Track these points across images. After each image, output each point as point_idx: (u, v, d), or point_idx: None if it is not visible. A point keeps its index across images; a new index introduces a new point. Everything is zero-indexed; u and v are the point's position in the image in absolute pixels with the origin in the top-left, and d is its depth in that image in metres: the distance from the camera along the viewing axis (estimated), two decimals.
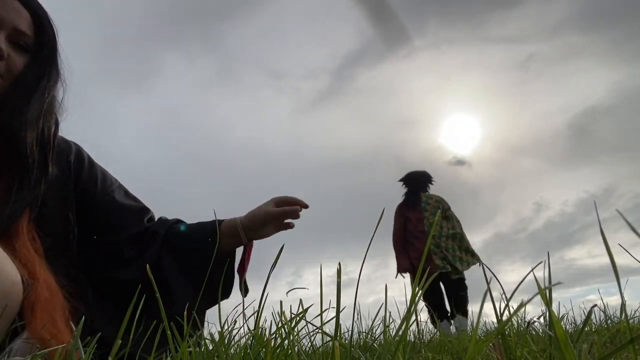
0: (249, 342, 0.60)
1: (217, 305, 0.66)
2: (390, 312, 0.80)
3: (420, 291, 0.46)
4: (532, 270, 0.46)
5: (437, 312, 3.60)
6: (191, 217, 1.19)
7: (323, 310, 0.53)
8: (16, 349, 0.61)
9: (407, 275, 4.02)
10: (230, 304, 0.75)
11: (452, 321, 3.52)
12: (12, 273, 0.63)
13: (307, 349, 0.75)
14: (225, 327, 0.64)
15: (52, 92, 0.87)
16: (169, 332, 0.52)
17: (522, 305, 0.40)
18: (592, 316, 1.10)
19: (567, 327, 1.23)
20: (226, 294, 1.11)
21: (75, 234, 0.95)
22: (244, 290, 1.08)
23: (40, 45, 0.85)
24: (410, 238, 3.96)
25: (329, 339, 0.57)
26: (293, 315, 0.59)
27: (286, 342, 0.54)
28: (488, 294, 0.43)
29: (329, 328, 0.64)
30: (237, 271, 1.13)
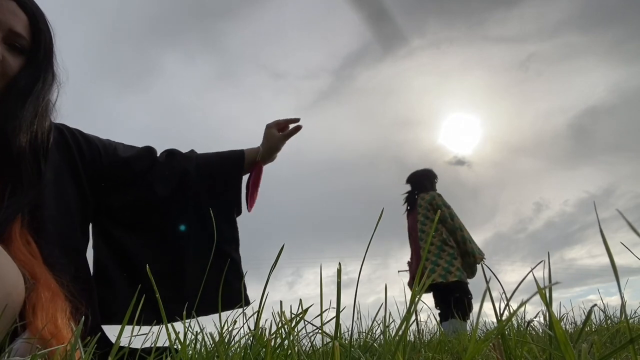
0: (249, 342, 0.60)
1: (217, 305, 0.66)
2: (390, 312, 0.80)
3: (420, 291, 0.46)
4: (532, 270, 0.46)
5: (441, 312, 3.60)
6: None
7: (323, 310, 0.53)
8: (16, 349, 0.61)
9: (407, 275, 4.04)
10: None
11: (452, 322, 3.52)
12: (13, 273, 0.63)
13: (307, 349, 0.75)
14: (225, 327, 0.64)
15: (47, 95, 0.86)
16: (169, 332, 0.52)
17: (522, 305, 0.40)
18: (592, 316, 1.10)
19: (567, 327, 1.23)
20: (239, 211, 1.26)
21: (79, 233, 0.96)
22: (245, 300, 1.16)
23: (36, 47, 0.85)
24: (409, 240, 3.99)
25: (329, 339, 0.57)
26: (293, 315, 0.59)
27: (286, 342, 0.54)
28: (488, 294, 0.43)
29: (329, 328, 0.64)
30: (247, 186, 1.30)
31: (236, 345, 0.64)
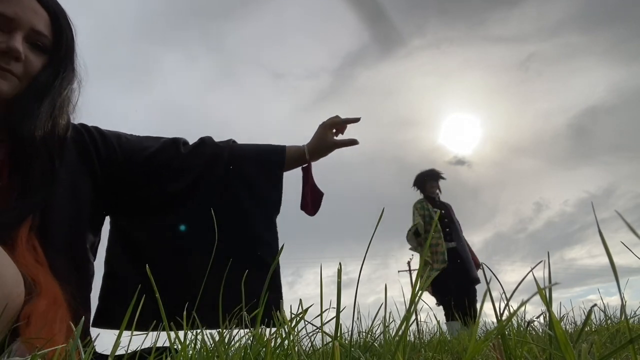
0: (249, 342, 0.60)
1: (218, 305, 0.66)
2: (390, 312, 0.80)
3: (421, 291, 0.46)
4: (531, 270, 0.46)
5: (446, 311, 3.61)
6: None
7: (323, 310, 0.53)
8: (15, 349, 0.61)
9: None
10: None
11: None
12: (12, 273, 0.63)
13: (307, 349, 0.75)
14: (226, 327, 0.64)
15: (66, 94, 0.85)
16: (168, 332, 0.52)
17: (522, 305, 0.40)
18: (592, 316, 1.10)
19: (567, 327, 1.23)
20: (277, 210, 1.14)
21: (89, 236, 0.93)
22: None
23: (57, 46, 0.84)
24: None
25: (329, 339, 0.57)
26: (293, 315, 0.59)
27: (286, 342, 0.54)
28: (488, 294, 0.43)
29: (329, 328, 0.64)
30: (304, 192, 1.19)
31: (236, 345, 0.64)
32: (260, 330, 0.57)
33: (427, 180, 4.16)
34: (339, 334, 0.46)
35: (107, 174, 0.97)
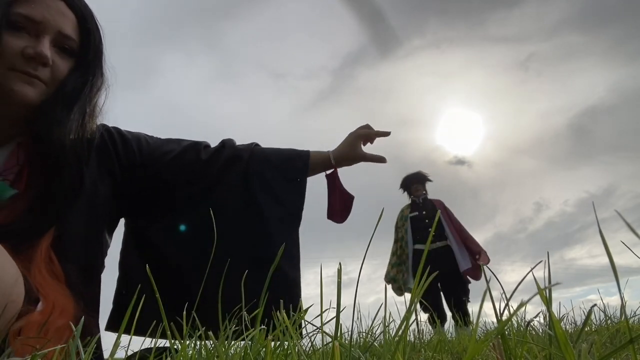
0: (249, 342, 0.60)
1: (218, 305, 0.65)
2: (390, 312, 0.80)
3: (420, 291, 0.46)
4: (531, 270, 0.46)
5: (436, 313, 3.60)
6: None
7: (323, 310, 0.53)
8: (15, 349, 0.61)
9: None
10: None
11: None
12: (12, 272, 0.63)
13: (307, 349, 0.75)
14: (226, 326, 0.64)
15: (95, 99, 0.83)
16: (169, 332, 0.52)
17: (521, 305, 0.40)
18: (592, 316, 1.10)
19: (567, 327, 1.23)
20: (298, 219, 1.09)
21: (102, 245, 0.91)
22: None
23: (85, 49, 0.81)
24: None
25: (329, 339, 0.57)
26: (293, 315, 0.59)
27: (286, 342, 0.54)
28: (488, 294, 0.43)
29: (329, 328, 0.63)
30: (332, 200, 1.14)
31: (236, 345, 0.64)
32: (260, 330, 0.57)
33: (412, 183, 4.25)
34: (339, 334, 0.46)
35: (125, 178, 0.95)
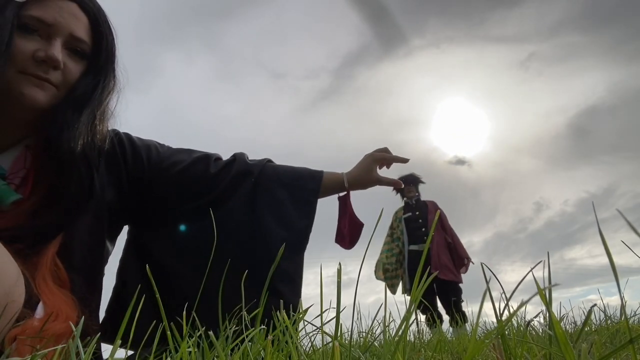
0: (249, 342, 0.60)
1: (219, 300, 0.65)
2: (390, 312, 0.80)
3: (420, 292, 0.46)
4: (531, 270, 0.46)
5: (430, 313, 3.61)
6: None
7: (323, 310, 0.53)
8: (15, 349, 0.61)
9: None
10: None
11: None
12: (12, 272, 0.63)
13: (307, 349, 0.75)
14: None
15: (105, 102, 0.82)
16: (168, 332, 0.52)
17: (521, 305, 0.40)
18: (592, 316, 1.10)
19: (567, 327, 1.23)
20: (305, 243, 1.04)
21: (104, 254, 0.89)
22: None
23: (97, 51, 0.80)
24: None
25: (329, 339, 0.57)
26: (293, 315, 0.59)
27: (286, 342, 0.54)
28: (488, 294, 0.43)
29: (329, 328, 0.63)
30: (341, 224, 1.10)
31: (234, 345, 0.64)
32: (260, 330, 0.57)
33: (405, 185, 4.29)
34: (339, 334, 0.46)
35: (132, 187, 0.94)
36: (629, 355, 0.48)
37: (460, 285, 3.92)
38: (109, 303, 1.00)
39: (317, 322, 0.56)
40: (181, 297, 0.96)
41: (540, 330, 0.88)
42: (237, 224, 1.00)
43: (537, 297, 0.40)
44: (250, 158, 1.11)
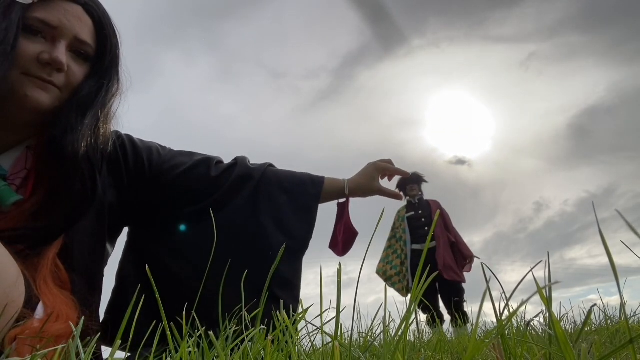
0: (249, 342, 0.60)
1: (219, 304, 0.65)
2: (390, 312, 0.80)
3: (420, 292, 0.46)
4: (531, 270, 0.46)
5: (432, 313, 3.61)
6: None
7: (323, 310, 0.53)
8: (15, 349, 0.61)
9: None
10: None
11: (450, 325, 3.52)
12: (12, 272, 0.63)
13: (307, 349, 0.75)
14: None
15: (109, 104, 0.82)
16: (168, 332, 0.52)
17: (521, 305, 0.40)
18: (592, 316, 1.10)
19: (567, 327, 1.23)
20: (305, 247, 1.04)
21: (104, 256, 0.89)
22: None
23: (101, 54, 0.81)
24: None
25: (329, 339, 0.57)
26: (293, 315, 0.59)
27: (286, 342, 0.54)
28: (488, 294, 0.43)
29: (329, 328, 0.64)
30: (337, 230, 1.11)
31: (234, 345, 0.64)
32: (260, 330, 0.57)
33: (407, 184, 4.28)
34: (339, 334, 0.46)
35: (132, 189, 0.94)
36: (629, 355, 0.48)
37: (463, 285, 3.91)
38: (108, 304, 1.00)
39: (317, 322, 0.56)
40: (180, 298, 0.96)
41: (540, 330, 0.88)
42: (237, 227, 1.00)
43: (537, 297, 0.40)
44: (251, 160, 1.11)
